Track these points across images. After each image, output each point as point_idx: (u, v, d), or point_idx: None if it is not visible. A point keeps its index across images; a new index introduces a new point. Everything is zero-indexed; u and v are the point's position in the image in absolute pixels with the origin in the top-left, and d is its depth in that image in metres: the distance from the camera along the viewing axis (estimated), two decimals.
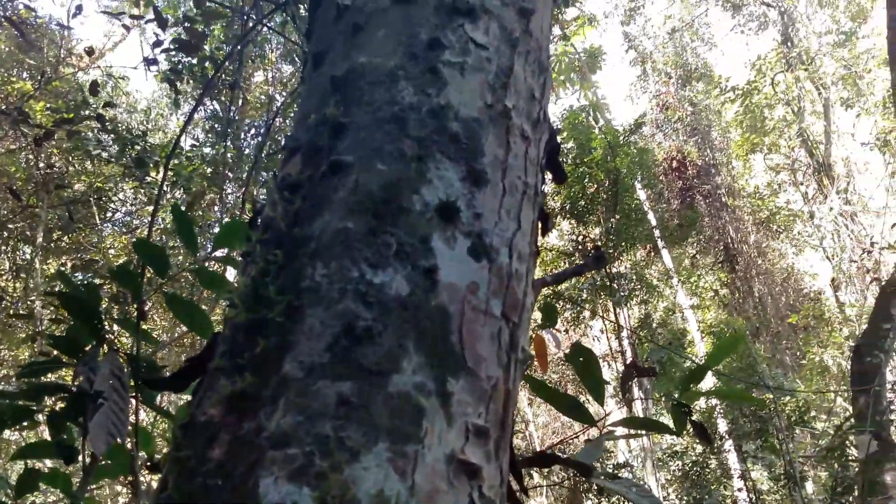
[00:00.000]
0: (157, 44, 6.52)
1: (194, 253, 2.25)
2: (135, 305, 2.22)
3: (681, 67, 25.90)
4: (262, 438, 0.93)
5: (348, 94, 1.22)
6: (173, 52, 8.58)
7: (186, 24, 5.70)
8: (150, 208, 12.57)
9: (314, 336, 0.99)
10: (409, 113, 1.17)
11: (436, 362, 1.01)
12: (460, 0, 1.28)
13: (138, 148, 9.42)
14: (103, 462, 2.21)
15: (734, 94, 22.86)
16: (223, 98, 12.15)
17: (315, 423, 0.92)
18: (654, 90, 26.29)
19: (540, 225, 1.30)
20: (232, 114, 11.33)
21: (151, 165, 9.61)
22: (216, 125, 11.40)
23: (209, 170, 11.35)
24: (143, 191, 11.40)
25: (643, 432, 4.65)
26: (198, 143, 12.57)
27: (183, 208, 2.53)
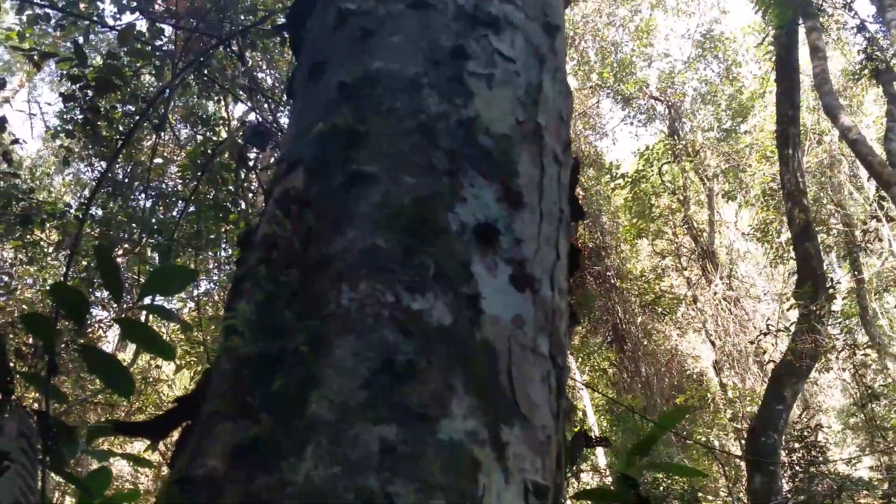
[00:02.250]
0: (76, 79, 6.14)
1: (118, 300, 2.00)
2: (45, 358, 1.94)
3: (573, 153, 26.74)
4: (287, 495, 0.73)
5: (363, 102, 1.06)
6: (68, 105, 8.18)
7: (109, 62, 5.41)
8: (31, 268, 11.85)
9: (346, 371, 0.81)
10: (437, 122, 1.03)
11: (487, 407, 0.84)
12: (482, 9, 1.16)
13: (23, 204, 8.86)
14: None
15: (623, 182, 23.70)
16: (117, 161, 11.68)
17: (356, 475, 0.74)
18: None
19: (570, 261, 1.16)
20: (128, 171, 10.88)
21: (36, 223, 9.06)
22: (108, 186, 10.90)
23: (97, 230, 10.79)
24: (24, 251, 10.71)
25: None
26: (85, 204, 12.01)
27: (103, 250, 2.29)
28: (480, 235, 0.95)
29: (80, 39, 9.66)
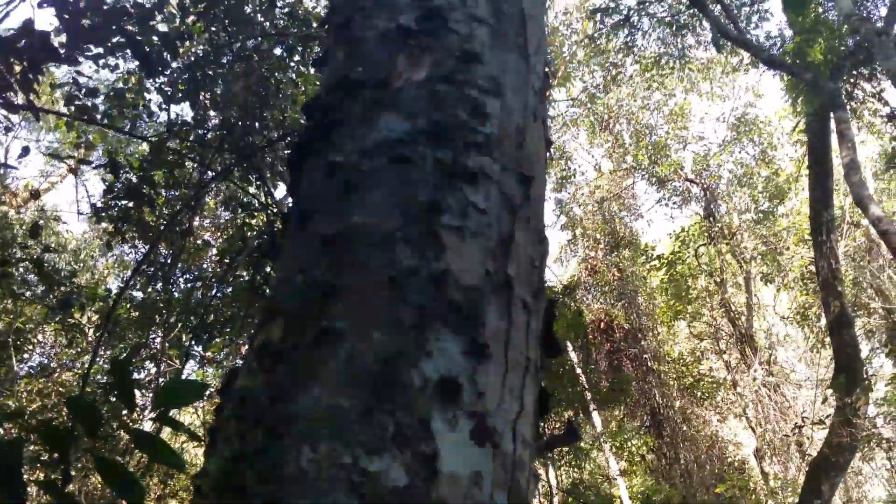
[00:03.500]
0: (109, 190, 6.39)
1: (132, 411, 2.06)
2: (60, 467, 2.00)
3: (609, 234, 26.77)
4: None
5: (341, 256, 1.12)
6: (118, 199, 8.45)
7: (140, 173, 5.64)
8: (70, 351, 12.05)
9: None
10: (408, 278, 1.08)
11: None
12: (459, 163, 1.23)
13: (65, 289, 9.09)
14: None
15: (659, 263, 23.58)
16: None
17: None
18: (583, 254, 26.99)
19: (539, 406, 1.20)
20: (168, 260, 11.12)
21: (76, 307, 9.26)
22: (148, 269, 11.15)
23: (136, 315, 10.99)
24: (64, 333, 10.92)
25: None
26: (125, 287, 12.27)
27: (122, 360, 2.36)
28: (442, 391, 0.99)
29: (127, 126, 10.03)
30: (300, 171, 1.42)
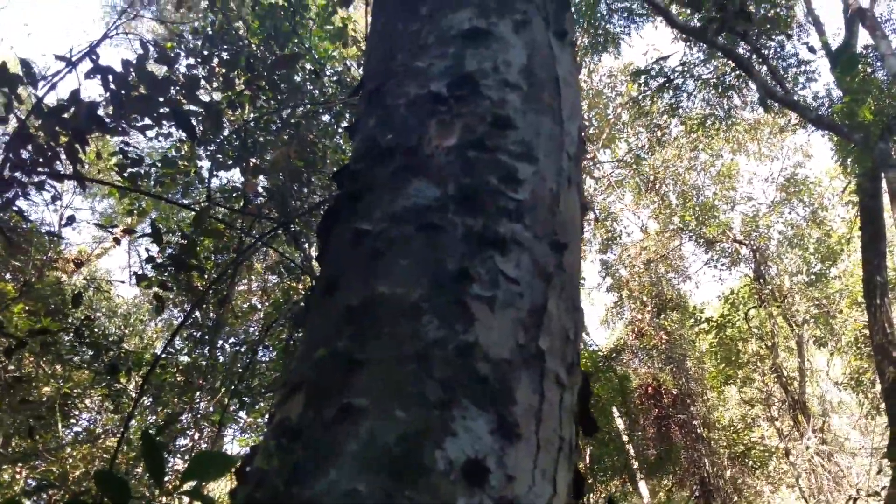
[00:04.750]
0: (150, 259, 6.49)
1: (160, 486, 2.02)
2: None
3: (656, 297, 26.41)
4: None
5: (365, 327, 1.08)
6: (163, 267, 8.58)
7: (182, 242, 5.71)
8: (116, 416, 12.11)
9: None
10: (434, 350, 1.03)
11: None
12: (489, 230, 1.18)
13: (112, 354, 9.18)
14: None
15: (708, 326, 23.14)
16: (205, 306, 12.11)
17: None
18: (629, 317, 26.62)
19: (574, 490, 1.12)
20: (212, 323, 11.18)
21: (123, 372, 9.33)
22: (194, 332, 11.24)
23: (181, 379, 11.04)
24: (110, 399, 11.00)
25: None
26: (172, 351, 12.36)
27: (153, 432, 2.33)
28: (468, 474, 0.93)
29: (180, 195, 10.22)
30: (328, 240, 1.39)
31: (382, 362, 1.02)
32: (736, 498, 23.18)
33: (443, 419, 0.97)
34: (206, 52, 7.97)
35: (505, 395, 1.02)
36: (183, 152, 9.71)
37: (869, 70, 11.45)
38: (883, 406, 17.53)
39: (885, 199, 11.87)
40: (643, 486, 19.63)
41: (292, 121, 8.71)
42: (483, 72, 1.43)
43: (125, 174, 9.48)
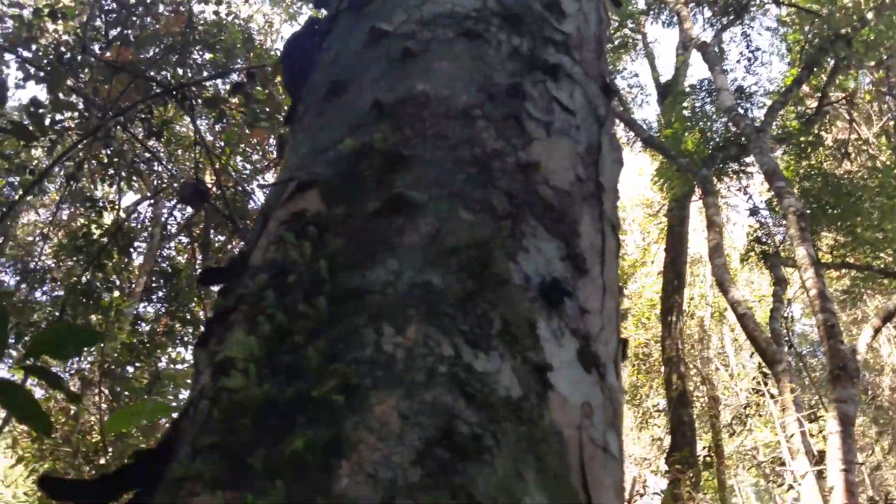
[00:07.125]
0: None
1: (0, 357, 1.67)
2: None
3: None
4: None
5: (405, 123, 0.88)
6: None
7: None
8: None
9: (390, 436, 0.58)
10: (494, 160, 0.85)
11: None
12: (538, 55, 1.02)
13: None
14: None
15: None
16: None
17: None
18: None
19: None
20: None
21: None
22: None
23: None
24: None
25: None
26: None
27: None
28: (546, 295, 0.76)
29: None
30: (299, 53, 1.18)
31: (434, 162, 0.83)
32: None
33: (513, 232, 0.79)
34: None
35: (570, 226, 0.86)
36: None
37: (696, 104, 12.14)
38: (652, 420, 18.78)
39: (690, 224, 12.70)
40: None
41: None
42: None
43: None
